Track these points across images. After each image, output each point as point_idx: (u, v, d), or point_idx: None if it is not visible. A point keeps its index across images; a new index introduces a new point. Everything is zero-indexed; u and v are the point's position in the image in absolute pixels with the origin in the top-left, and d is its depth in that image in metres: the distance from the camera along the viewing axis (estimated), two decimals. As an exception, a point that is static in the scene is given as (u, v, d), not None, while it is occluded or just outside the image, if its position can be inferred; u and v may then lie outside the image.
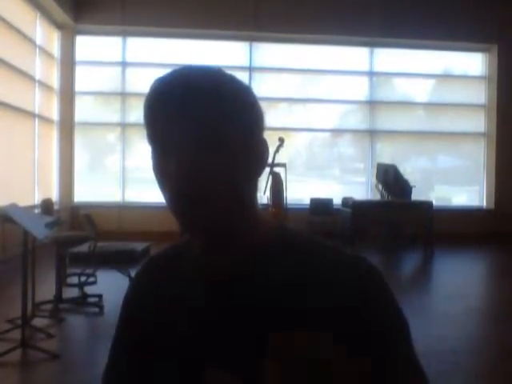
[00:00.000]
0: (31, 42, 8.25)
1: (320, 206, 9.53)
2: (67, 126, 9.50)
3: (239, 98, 0.72)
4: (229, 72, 0.74)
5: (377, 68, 10.38)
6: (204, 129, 0.68)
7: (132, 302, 0.86)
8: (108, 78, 10.01)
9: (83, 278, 5.20)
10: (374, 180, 9.63)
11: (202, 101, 0.68)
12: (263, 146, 0.76)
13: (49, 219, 4.32)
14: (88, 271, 5.26)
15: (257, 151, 0.75)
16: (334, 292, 0.68)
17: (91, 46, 9.73)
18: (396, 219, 8.63)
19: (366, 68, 10.37)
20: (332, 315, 0.67)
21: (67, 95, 9.50)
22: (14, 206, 3.80)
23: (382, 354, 0.67)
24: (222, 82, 0.71)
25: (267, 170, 8.21)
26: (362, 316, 0.67)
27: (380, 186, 9.12)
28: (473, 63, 10.64)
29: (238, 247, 0.75)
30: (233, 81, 0.73)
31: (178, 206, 0.70)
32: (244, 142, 0.72)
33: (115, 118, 9.86)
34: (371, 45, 10.16)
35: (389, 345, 0.67)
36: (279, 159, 8.19)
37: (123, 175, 9.86)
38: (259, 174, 0.76)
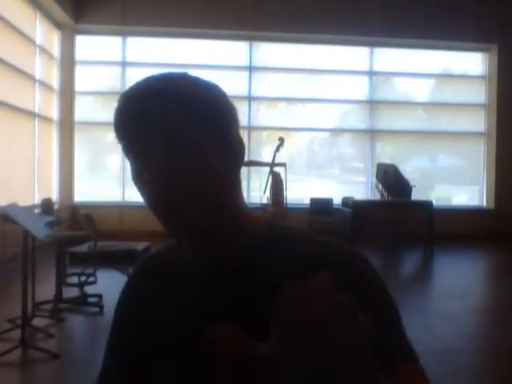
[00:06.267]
0: (31, 41, 8.24)
1: (320, 206, 9.52)
2: (67, 126, 9.50)
3: (201, 97, 0.72)
4: (193, 75, 0.74)
5: (377, 67, 10.36)
6: (169, 133, 0.69)
7: (125, 306, 0.86)
8: (108, 78, 10.01)
9: (83, 278, 5.20)
10: (374, 180, 9.62)
11: (164, 106, 0.69)
12: (236, 142, 0.75)
13: (49, 219, 4.32)
14: (88, 271, 5.26)
15: (229, 148, 0.74)
16: None
17: (91, 45, 9.71)
18: (396, 219, 8.62)
19: (366, 67, 10.35)
20: None
21: (67, 95, 9.49)
22: (13, 206, 3.80)
23: (377, 341, 0.67)
24: (182, 84, 0.72)
25: (267, 169, 8.22)
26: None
27: (380, 186, 9.11)
28: (473, 63, 10.62)
29: (226, 246, 0.75)
30: (195, 82, 0.73)
31: (159, 212, 0.71)
32: (213, 141, 0.72)
33: (115, 117, 9.85)
34: (371, 44, 10.15)
35: (383, 332, 0.67)
36: (279, 159, 8.19)
37: (123, 175, 9.84)
38: (236, 170, 0.76)
